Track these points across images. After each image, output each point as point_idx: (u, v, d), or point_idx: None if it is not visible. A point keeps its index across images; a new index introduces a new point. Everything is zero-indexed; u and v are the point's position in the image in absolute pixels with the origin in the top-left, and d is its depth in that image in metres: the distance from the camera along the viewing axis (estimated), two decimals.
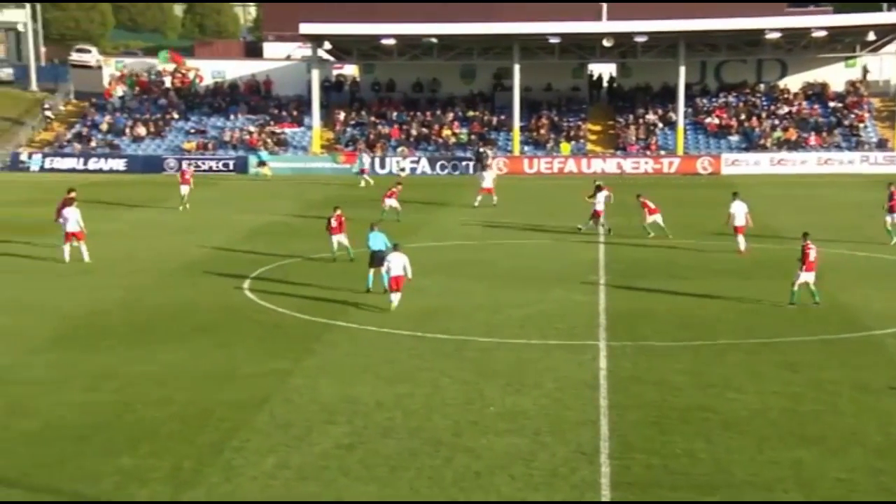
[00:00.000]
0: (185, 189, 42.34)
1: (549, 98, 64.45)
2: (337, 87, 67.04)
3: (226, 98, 66.21)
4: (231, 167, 58.19)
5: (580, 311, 23.65)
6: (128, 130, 61.89)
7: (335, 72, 68.08)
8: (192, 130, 62.71)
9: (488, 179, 43.76)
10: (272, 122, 63.32)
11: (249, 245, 32.99)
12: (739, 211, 31.00)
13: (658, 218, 34.42)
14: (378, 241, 25.70)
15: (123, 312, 23.76)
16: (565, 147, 60.32)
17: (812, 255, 23.60)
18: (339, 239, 29.78)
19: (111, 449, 15.00)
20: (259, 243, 33.34)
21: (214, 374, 18.82)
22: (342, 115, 63.56)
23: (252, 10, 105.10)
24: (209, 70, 68.34)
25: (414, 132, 62.33)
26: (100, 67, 70.52)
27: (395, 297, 23.48)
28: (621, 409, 16.68)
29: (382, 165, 58.01)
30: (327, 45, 61.74)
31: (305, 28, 58.40)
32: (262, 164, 56.80)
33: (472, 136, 61.61)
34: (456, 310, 23.83)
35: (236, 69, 68.73)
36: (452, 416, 16.53)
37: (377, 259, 25.08)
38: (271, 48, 77.76)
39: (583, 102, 65.30)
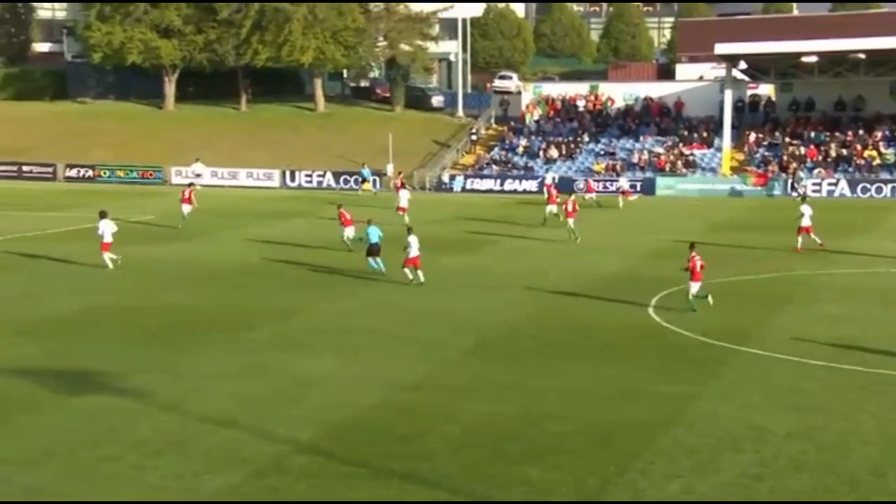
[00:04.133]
0: (186, 209, 41.85)
1: None
2: (752, 107, 65.00)
3: (636, 120, 66.69)
4: (638, 188, 58.40)
5: None
6: (541, 153, 64.28)
7: (749, 91, 66.06)
8: (602, 152, 63.81)
9: None
10: (681, 144, 62.76)
11: (655, 265, 32.87)
12: (807, 213, 35.35)
13: None
14: (374, 234, 30.92)
15: (532, 327, 24.61)
16: None
17: (698, 265, 25.16)
18: (348, 232, 35.60)
19: (520, 459, 15.56)
20: (664, 264, 33.11)
21: (618, 393, 18.92)
22: (753, 136, 61.49)
23: (667, 32, 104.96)
24: (621, 93, 69.24)
25: (833, 153, 58.77)
26: (519, 93, 73.93)
27: (411, 272, 29.22)
28: None
29: (793, 188, 55.28)
30: (742, 65, 60.03)
31: (721, 48, 57.19)
32: (363, 181, 56.10)
33: None
34: (874, 340, 22.08)
35: (648, 91, 69.01)
36: (871, 454, 15.31)
37: (375, 249, 30.74)
38: (684, 69, 77.08)
39: None
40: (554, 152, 63.96)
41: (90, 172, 63.10)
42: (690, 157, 61.31)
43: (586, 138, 65.39)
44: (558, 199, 43.14)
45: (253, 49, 71.03)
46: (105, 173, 62.51)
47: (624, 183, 55.12)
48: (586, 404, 18.27)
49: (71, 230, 40.44)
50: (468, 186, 61.02)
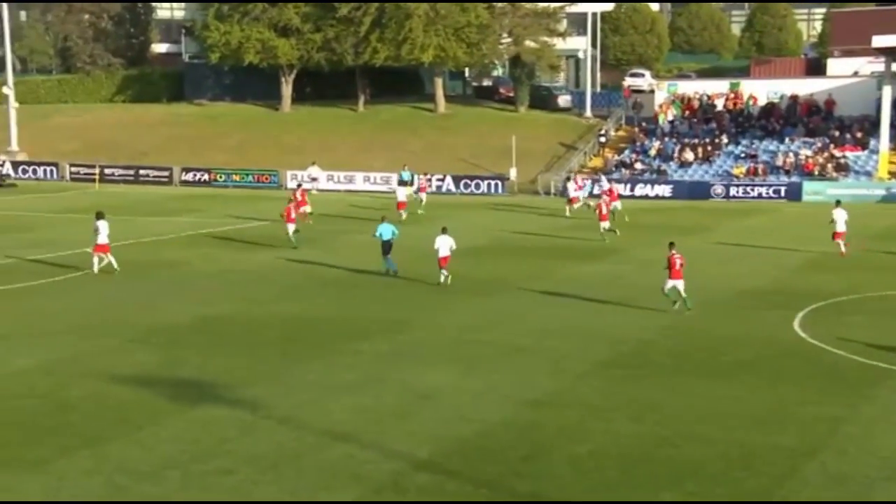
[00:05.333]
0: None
1: None
2: None
3: (780, 120, 65.05)
4: (782, 194, 56.98)
5: None
6: (675, 155, 63.33)
7: None
8: (743, 155, 62.47)
9: None
10: (832, 145, 60.92)
11: (801, 277, 31.99)
12: (840, 218, 36.13)
13: None
14: (387, 231, 31.96)
15: (667, 341, 24.26)
16: None
17: (678, 263, 26.54)
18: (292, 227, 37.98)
19: (652, 483, 15.34)
20: (812, 276, 32.20)
21: (760, 415, 18.47)
22: None
23: (817, 24, 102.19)
24: (764, 90, 67.67)
25: None
26: (652, 91, 73.04)
27: (444, 273, 30.22)
28: None
29: None
30: None
31: (879, 41, 55.28)
32: (402, 183, 54.38)
33: None
34: None
35: (794, 88, 67.22)
36: None
37: (388, 247, 31.83)
38: (836, 65, 74.88)
39: None
40: (689, 155, 62.95)
41: (206, 176, 65.06)
42: (842, 160, 59.46)
43: (725, 140, 64.14)
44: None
45: (372, 47, 72.11)
46: (220, 177, 64.35)
47: (605, 183, 53.86)
48: (725, 426, 17.89)
49: (186, 235, 41.75)
50: (596, 191, 60.43)
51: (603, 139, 67.23)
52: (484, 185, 61.19)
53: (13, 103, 70.48)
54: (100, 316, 26.91)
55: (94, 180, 64.00)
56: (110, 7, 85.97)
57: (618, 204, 45.98)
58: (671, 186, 59.69)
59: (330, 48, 73.97)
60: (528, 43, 73.75)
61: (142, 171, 66.19)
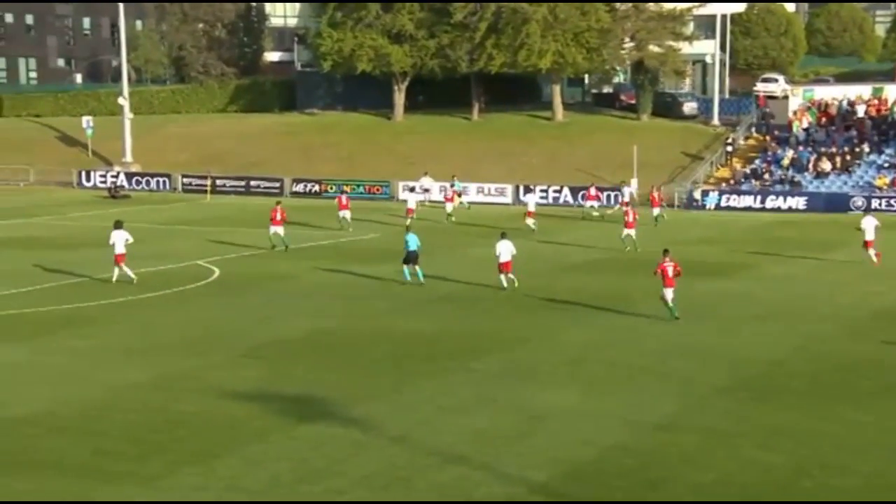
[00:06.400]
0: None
1: None
2: None
3: None
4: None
5: None
6: (811, 165, 61.83)
7: None
8: (887, 164, 60.61)
9: None
10: None
11: None
12: (869, 226, 36.97)
13: None
14: (413, 242, 33.30)
15: (802, 363, 23.70)
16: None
17: (670, 271, 27.67)
18: (277, 230, 40.83)
19: None
20: None
21: None
22: None
23: None
24: None
25: None
26: (785, 97, 71.47)
27: (506, 278, 31.89)
28: None
29: None
30: None
31: None
32: (458, 193, 56.13)
33: None
34: None
35: None
36: None
37: (413, 257, 33.12)
38: None
39: None
40: (826, 165, 61.40)
41: (316, 187, 66.14)
42: None
43: (867, 149, 62.33)
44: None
45: (487, 54, 72.36)
46: (331, 188, 65.31)
47: (592, 190, 55.84)
48: (869, 455, 17.38)
49: (295, 248, 42.49)
50: (723, 203, 59.56)
51: (730, 148, 66.07)
52: (603, 197, 60.76)
53: (128, 114, 72.93)
54: (209, 330, 27.59)
55: (205, 191, 65.73)
56: (224, 15, 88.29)
57: (595, 203, 53.87)
58: (806, 198, 58.29)
59: (444, 55, 74.52)
60: (652, 47, 72.98)
61: (252, 182, 67.66)
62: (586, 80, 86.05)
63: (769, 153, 64.59)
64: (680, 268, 28.35)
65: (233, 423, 19.47)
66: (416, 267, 33.56)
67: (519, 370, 23.33)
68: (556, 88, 76.24)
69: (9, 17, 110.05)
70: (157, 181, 69.81)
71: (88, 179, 70.86)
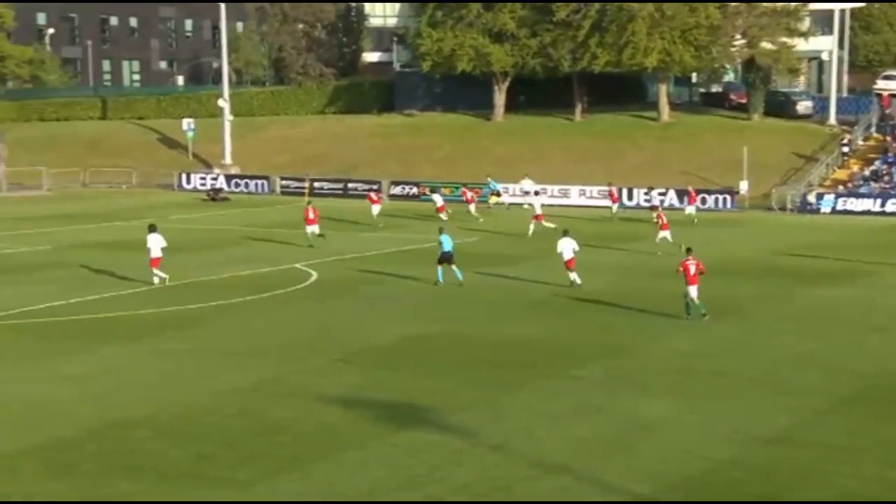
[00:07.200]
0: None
1: None
2: None
3: None
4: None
5: None
6: None
7: None
8: None
9: None
10: None
11: None
12: None
13: None
14: (447, 242, 34.06)
15: None
16: None
17: (692, 269, 28.23)
18: (313, 229, 43.54)
19: None
20: None
21: None
22: None
23: None
24: None
25: None
26: None
27: (574, 275, 33.05)
28: None
29: None
30: None
31: None
32: (495, 193, 59.04)
33: None
34: None
35: None
36: None
37: (447, 257, 33.92)
38: None
39: None
40: None
41: (414, 190, 66.49)
42: None
43: None
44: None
45: (591, 53, 71.94)
46: (429, 191, 65.54)
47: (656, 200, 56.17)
48: None
49: (393, 251, 42.75)
50: (839, 207, 58.23)
51: (846, 149, 64.49)
52: (711, 200, 59.88)
53: (228, 116, 74.33)
54: (306, 334, 27.89)
55: (303, 194, 66.58)
56: (324, 16, 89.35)
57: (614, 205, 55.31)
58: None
59: (546, 54, 74.29)
60: (765, 44, 71.62)
61: (350, 185, 68.28)
62: (694, 79, 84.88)
63: (890, 154, 62.87)
64: (703, 266, 28.84)
65: (331, 429, 19.63)
66: (453, 267, 34.08)
67: (623, 378, 23.07)
68: (662, 88, 75.43)
69: (113, 20, 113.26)
70: (256, 183, 71.01)
71: (188, 182, 72.47)
